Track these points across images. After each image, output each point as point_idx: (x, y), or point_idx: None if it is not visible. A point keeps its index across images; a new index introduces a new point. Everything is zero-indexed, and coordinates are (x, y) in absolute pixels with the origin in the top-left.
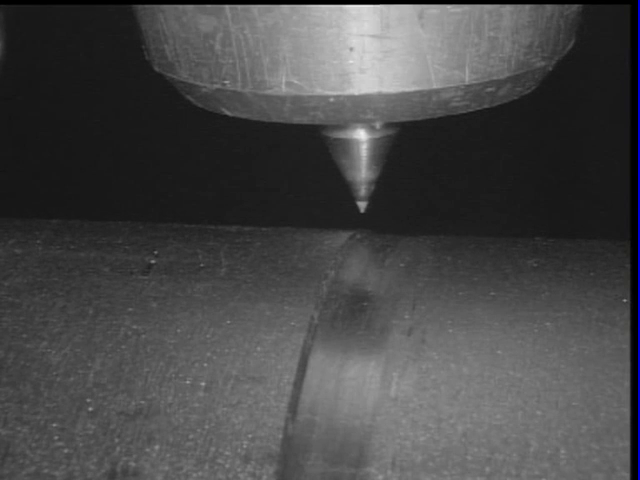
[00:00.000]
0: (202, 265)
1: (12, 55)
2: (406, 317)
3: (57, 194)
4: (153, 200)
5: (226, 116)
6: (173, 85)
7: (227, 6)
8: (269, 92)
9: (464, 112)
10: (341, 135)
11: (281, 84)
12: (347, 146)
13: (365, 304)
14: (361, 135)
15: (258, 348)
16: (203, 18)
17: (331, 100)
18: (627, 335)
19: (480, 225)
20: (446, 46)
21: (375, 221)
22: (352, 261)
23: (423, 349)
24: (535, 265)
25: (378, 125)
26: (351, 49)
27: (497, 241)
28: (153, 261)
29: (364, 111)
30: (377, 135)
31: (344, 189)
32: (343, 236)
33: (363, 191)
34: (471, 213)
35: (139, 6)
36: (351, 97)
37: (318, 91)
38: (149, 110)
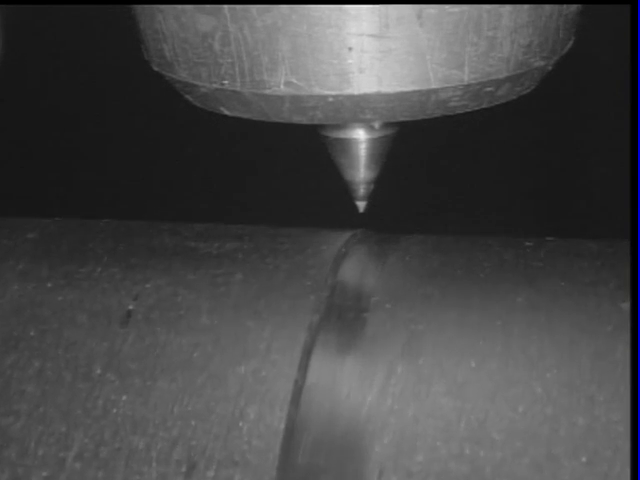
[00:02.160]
0: (182, 312)
1: (12, 55)
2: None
3: (56, 194)
4: (152, 200)
5: (225, 116)
6: (172, 85)
7: (226, 6)
8: (268, 92)
9: (463, 112)
10: (340, 135)
11: (280, 84)
12: (346, 146)
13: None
14: (360, 135)
15: (240, 423)
16: (202, 18)
17: (330, 100)
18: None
19: (480, 225)
20: (445, 46)
21: (374, 221)
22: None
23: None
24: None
25: (377, 125)
26: (350, 49)
27: (498, 240)
28: (131, 307)
29: (363, 111)
30: (376, 135)
31: (343, 189)
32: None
33: (362, 191)
34: (471, 213)
35: (138, 6)
36: (350, 97)
37: (317, 91)
38: (148, 110)
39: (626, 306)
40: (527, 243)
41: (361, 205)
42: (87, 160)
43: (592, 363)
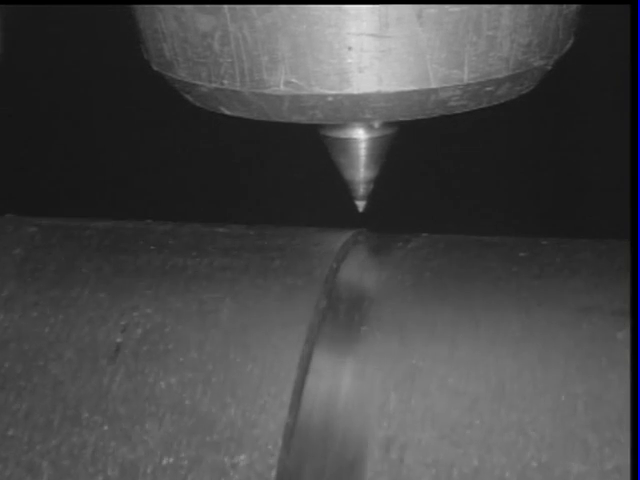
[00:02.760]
0: (170, 346)
1: (12, 55)
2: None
3: (56, 193)
4: (151, 199)
5: (224, 115)
6: (172, 84)
7: (226, 5)
8: (268, 91)
9: (463, 111)
10: (340, 134)
11: (280, 83)
12: (346, 145)
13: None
14: (360, 134)
15: (231, 473)
16: (202, 17)
17: (330, 99)
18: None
19: (480, 224)
20: (445, 45)
21: (374, 220)
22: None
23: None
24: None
25: (377, 124)
26: (350, 48)
27: (498, 240)
28: (119, 339)
29: (363, 110)
30: (376, 134)
31: (343, 188)
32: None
33: (362, 190)
34: (471, 212)
35: (137, 5)
36: (350, 96)
37: (317, 90)
38: (147, 109)
39: (622, 335)
40: (528, 242)
41: (361, 205)
42: (86, 159)
43: (587, 405)
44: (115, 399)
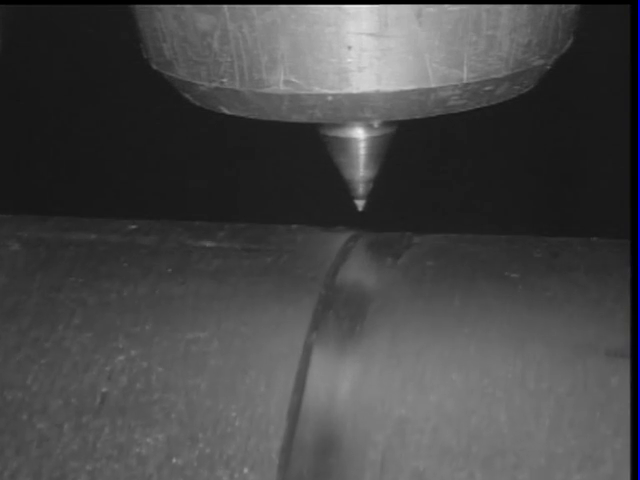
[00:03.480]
0: (156, 397)
1: (11, 54)
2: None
3: (55, 192)
4: (151, 199)
5: (224, 114)
6: (171, 83)
7: (225, 4)
8: (267, 90)
9: (462, 111)
10: (339, 133)
11: (279, 82)
12: (345, 144)
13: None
14: (359, 133)
15: None
16: (201, 16)
17: (329, 98)
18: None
19: (479, 223)
20: (444, 44)
21: (373, 220)
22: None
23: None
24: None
25: (376, 123)
26: (349, 47)
27: (499, 239)
28: (105, 389)
29: (362, 109)
30: (375, 133)
31: (342, 188)
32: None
33: (361, 190)
34: (470, 212)
35: (137, 5)
36: (349, 95)
37: (316, 89)
38: (146, 108)
39: (616, 380)
40: (528, 241)
41: (360, 204)
42: (84, 159)
43: (580, 465)
44: (101, 458)
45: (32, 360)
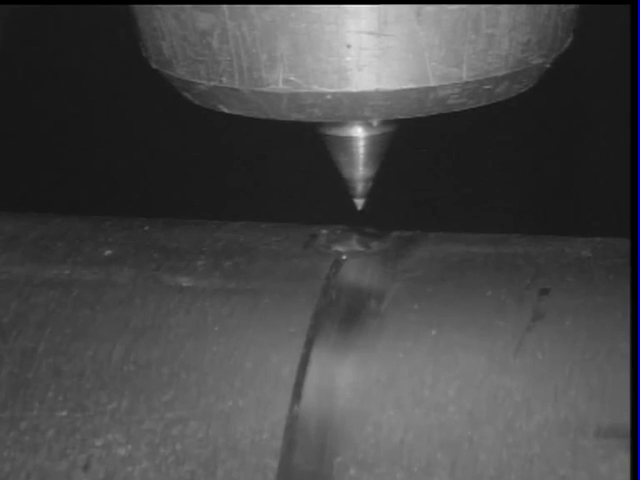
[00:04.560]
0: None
1: (11, 54)
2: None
3: (55, 192)
4: (151, 198)
5: (223, 113)
6: (170, 82)
7: (225, 5)
8: (266, 89)
9: (461, 109)
10: (338, 132)
11: (278, 81)
12: (344, 143)
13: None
14: (358, 132)
15: None
16: (201, 15)
17: (328, 97)
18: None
19: (479, 222)
20: (443, 43)
21: (372, 218)
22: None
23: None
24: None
25: (375, 122)
26: (349, 46)
27: (499, 237)
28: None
29: (361, 108)
30: (374, 132)
31: (341, 186)
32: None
33: (360, 188)
34: (470, 210)
35: (136, 4)
36: (348, 94)
37: (315, 88)
38: (146, 107)
39: (605, 469)
40: (529, 239)
41: (359, 203)
42: (84, 158)
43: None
44: None
45: (7, 446)
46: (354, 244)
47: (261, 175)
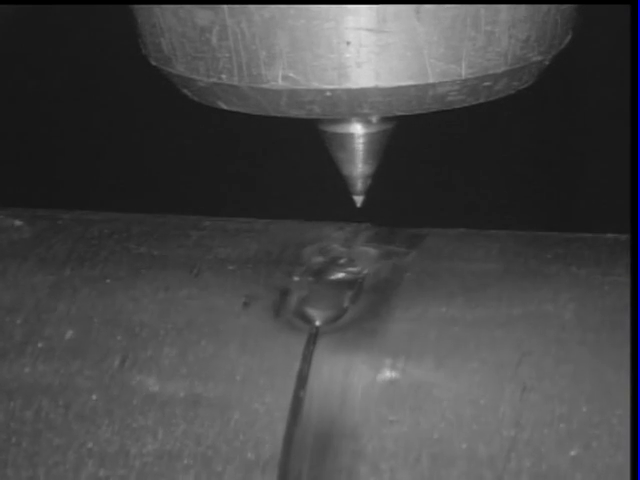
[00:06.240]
0: None
1: (11, 53)
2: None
3: (55, 191)
4: (150, 196)
5: (222, 110)
6: (169, 79)
7: (225, 5)
8: (266, 86)
9: (461, 106)
10: (337, 129)
11: (278, 78)
12: (343, 140)
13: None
14: (357, 129)
15: None
16: (200, 12)
17: (328, 94)
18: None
19: (478, 220)
20: (443, 40)
21: (371, 216)
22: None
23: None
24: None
25: (374, 119)
26: (348, 43)
27: (499, 235)
28: None
29: (361, 105)
30: (373, 129)
31: (341, 183)
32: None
33: (360, 185)
34: (469, 208)
35: (135, 3)
36: (348, 91)
37: (315, 85)
38: (145, 104)
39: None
40: (529, 237)
41: (358, 200)
42: (83, 156)
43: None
44: None
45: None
46: (328, 306)
47: (259, 172)
